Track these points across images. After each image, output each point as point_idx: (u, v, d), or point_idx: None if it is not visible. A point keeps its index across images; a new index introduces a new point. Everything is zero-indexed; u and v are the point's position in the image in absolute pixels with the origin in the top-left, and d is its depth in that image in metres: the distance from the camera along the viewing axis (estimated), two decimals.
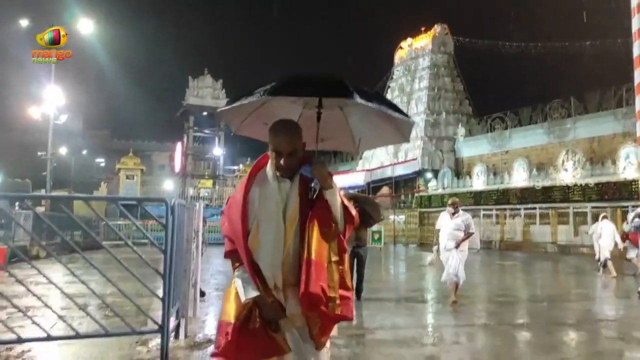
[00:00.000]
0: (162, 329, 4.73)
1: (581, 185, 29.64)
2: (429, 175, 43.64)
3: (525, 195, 32.78)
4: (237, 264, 2.48)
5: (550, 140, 36.94)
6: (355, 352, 5.45)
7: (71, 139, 57.38)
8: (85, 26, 27.35)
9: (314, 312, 2.36)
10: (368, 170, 48.35)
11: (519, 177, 35.52)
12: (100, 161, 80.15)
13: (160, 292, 4.72)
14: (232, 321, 2.40)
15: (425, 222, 38.96)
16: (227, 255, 2.53)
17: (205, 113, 44.26)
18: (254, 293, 2.37)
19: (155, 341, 5.08)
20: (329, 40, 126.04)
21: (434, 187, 42.61)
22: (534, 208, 32.47)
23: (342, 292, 2.41)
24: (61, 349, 5.14)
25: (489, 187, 36.96)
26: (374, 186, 46.59)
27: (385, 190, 46.49)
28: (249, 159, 47.58)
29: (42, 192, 54.78)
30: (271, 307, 2.38)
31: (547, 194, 31.49)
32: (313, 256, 2.33)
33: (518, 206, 33.28)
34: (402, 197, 45.09)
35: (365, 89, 2.53)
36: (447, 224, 8.86)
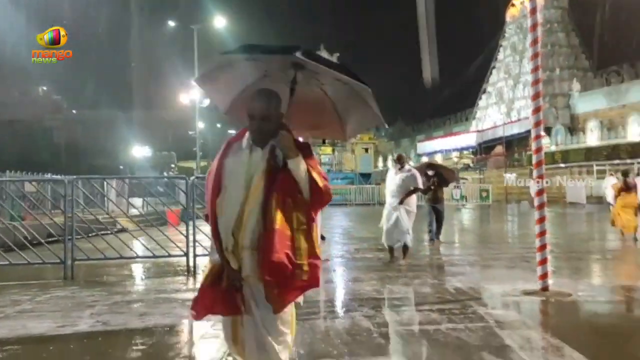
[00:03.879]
0: None
1: None
2: (541, 132, 44.11)
3: (637, 150, 33.00)
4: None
5: None
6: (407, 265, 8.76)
7: (206, 112, 64.64)
8: (219, 22, 32.12)
9: (276, 278, 2.40)
10: (480, 130, 49.60)
11: (633, 132, 35.45)
12: (232, 133, 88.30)
13: None
14: (203, 280, 2.60)
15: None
16: (206, 219, 2.71)
17: None
18: (215, 255, 2.54)
19: None
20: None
21: (546, 144, 43.20)
22: None
23: (310, 260, 2.47)
24: None
25: (602, 142, 37.21)
26: (485, 146, 47.93)
27: (498, 149, 47.63)
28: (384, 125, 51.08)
29: (189, 162, 62.27)
30: (229, 268, 2.50)
31: None
32: (276, 225, 2.38)
33: (630, 161, 33.54)
34: (515, 155, 46.04)
35: (317, 55, 2.63)
36: (392, 180, 8.46)
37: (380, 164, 59.78)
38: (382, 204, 34.67)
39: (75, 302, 6.11)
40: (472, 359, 3.88)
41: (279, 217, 2.40)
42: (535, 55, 6.32)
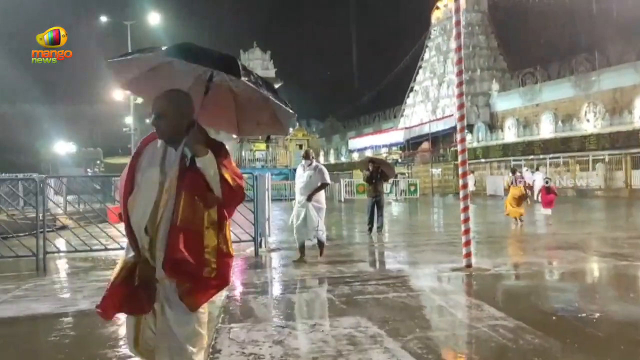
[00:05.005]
0: (255, 240, 9.35)
1: (596, 134, 32.76)
2: (465, 137, 46.82)
3: (548, 146, 36.03)
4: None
5: (576, 93, 39.15)
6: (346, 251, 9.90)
7: (135, 108, 63.63)
8: (154, 18, 32.22)
9: (178, 277, 2.45)
10: (407, 127, 51.89)
11: (545, 129, 38.52)
12: None
13: (252, 220, 9.31)
14: (112, 278, 2.56)
15: None
16: (120, 218, 2.69)
17: None
18: (130, 253, 2.55)
19: (251, 247, 9.63)
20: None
21: (469, 141, 45.96)
22: (558, 157, 35.79)
23: (220, 258, 2.51)
24: None
25: (518, 139, 40.20)
26: (412, 142, 50.26)
27: (425, 145, 50.09)
28: (297, 124, 52.49)
29: (116, 158, 61.03)
30: (142, 267, 2.50)
31: (567, 144, 34.69)
32: (180, 223, 2.41)
33: (543, 156, 36.55)
34: (441, 151, 48.61)
35: (255, 73, 2.65)
36: (300, 177, 8.47)
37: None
38: None
39: (62, 288, 6.81)
40: (415, 315, 5.02)
41: (184, 214, 2.43)
42: (460, 84, 7.56)
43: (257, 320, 4.93)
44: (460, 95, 7.55)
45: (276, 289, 6.55)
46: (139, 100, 34.13)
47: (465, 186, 7.54)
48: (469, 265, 7.32)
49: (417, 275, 7.19)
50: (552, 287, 6.53)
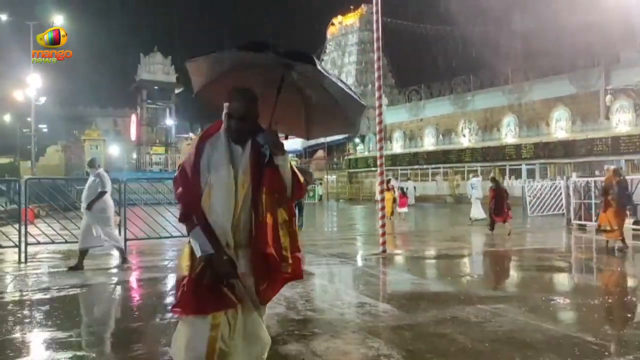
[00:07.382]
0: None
1: (471, 148, 37.61)
2: (357, 140, 50.53)
3: (431, 157, 40.54)
4: (192, 227, 2.52)
5: (454, 110, 44.05)
6: None
7: (16, 107, 60.34)
8: (57, 20, 32.08)
9: (266, 272, 2.48)
10: None
11: (428, 142, 43.05)
12: (43, 127, 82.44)
13: None
14: (186, 274, 2.51)
15: (354, 181, 46.56)
16: (181, 219, 2.59)
17: (156, 87, 49.15)
18: (208, 250, 2.46)
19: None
20: (268, 14, 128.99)
21: (361, 150, 49.72)
22: (439, 167, 40.33)
23: (293, 253, 2.56)
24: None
25: (405, 150, 44.48)
26: (309, 150, 53.24)
27: (320, 153, 53.24)
28: (198, 128, 53.47)
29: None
30: (225, 263, 2.46)
31: (446, 156, 39.32)
32: (267, 220, 2.46)
33: (425, 166, 40.95)
34: (335, 159, 51.98)
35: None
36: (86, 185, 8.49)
37: None
38: None
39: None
40: (361, 278, 7.32)
41: (267, 211, 2.48)
42: (380, 132, 10.01)
43: None
44: (380, 122, 9.98)
45: None
46: (41, 101, 33.69)
47: (382, 191, 9.98)
48: (384, 251, 9.74)
49: (349, 258, 9.49)
50: (445, 262, 9.17)
